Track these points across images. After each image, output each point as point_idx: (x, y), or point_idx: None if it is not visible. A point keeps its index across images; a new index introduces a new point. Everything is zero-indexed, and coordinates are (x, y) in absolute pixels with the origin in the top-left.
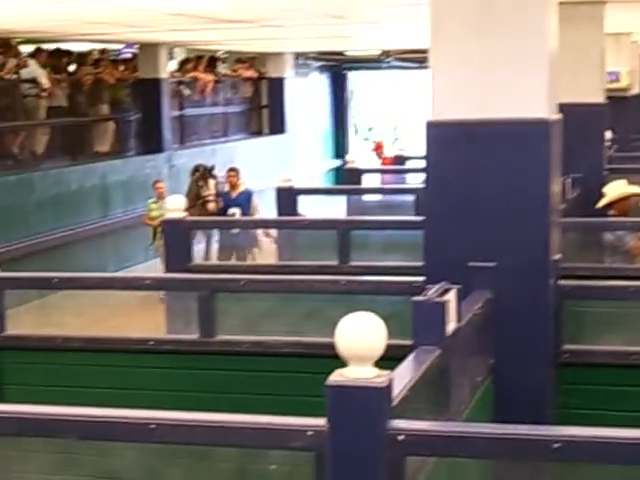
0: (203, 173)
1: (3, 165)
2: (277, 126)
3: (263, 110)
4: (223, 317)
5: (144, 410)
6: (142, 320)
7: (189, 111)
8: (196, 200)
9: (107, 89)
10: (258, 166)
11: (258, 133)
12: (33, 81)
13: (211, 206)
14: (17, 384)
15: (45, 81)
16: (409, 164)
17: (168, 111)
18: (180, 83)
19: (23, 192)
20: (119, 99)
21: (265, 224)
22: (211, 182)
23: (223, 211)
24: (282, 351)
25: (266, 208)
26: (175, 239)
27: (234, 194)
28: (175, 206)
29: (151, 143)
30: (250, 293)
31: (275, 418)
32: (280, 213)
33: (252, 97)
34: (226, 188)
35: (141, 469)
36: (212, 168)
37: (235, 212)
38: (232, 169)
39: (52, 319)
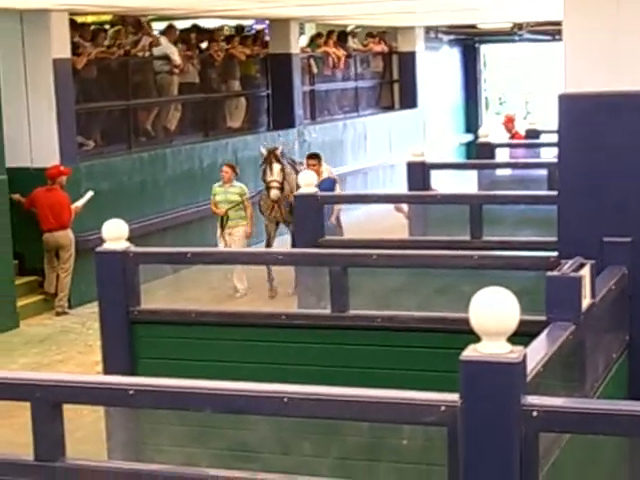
0: (267, 156)
1: (137, 142)
2: (408, 100)
3: (394, 84)
4: (355, 292)
5: (277, 384)
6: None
7: (320, 86)
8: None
9: (238, 65)
10: (389, 141)
11: (389, 108)
12: (165, 58)
13: (272, 194)
14: (151, 358)
15: (177, 58)
16: (542, 138)
17: (299, 86)
18: (311, 58)
19: (156, 168)
20: (250, 75)
21: (397, 199)
22: (275, 167)
23: None
24: (414, 326)
25: (398, 183)
26: (306, 214)
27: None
28: (307, 181)
29: (282, 119)
30: (382, 268)
31: (408, 393)
32: (411, 188)
33: (383, 72)
34: None
35: (273, 442)
36: (276, 150)
37: None
38: (312, 156)
39: (185, 294)
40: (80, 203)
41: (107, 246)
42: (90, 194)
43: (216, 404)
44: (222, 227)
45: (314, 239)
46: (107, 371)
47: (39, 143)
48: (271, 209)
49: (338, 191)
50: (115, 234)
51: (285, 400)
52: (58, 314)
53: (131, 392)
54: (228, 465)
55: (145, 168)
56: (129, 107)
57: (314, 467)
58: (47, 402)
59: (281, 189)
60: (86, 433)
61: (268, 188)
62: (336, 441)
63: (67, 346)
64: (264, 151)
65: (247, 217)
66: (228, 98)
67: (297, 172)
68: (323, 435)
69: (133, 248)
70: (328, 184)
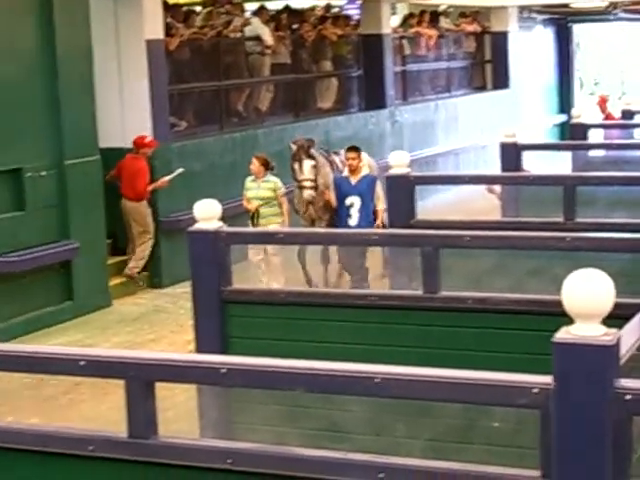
0: (297, 152)
1: (228, 122)
2: (501, 81)
3: (486, 65)
4: (447, 273)
5: (367, 364)
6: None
7: (411, 66)
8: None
9: (330, 46)
10: (482, 122)
11: (481, 88)
12: (257, 39)
13: (306, 194)
14: (242, 337)
15: (268, 38)
16: (637, 118)
17: (391, 67)
18: (402, 38)
19: (247, 149)
20: (342, 55)
21: (490, 180)
22: (306, 164)
23: (340, 201)
24: (506, 308)
25: (491, 164)
26: (399, 195)
27: (354, 180)
28: (399, 161)
29: (374, 99)
30: (475, 249)
31: (501, 375)
32: (504, 169)
33: (475, 52)
34: (345, 172)
35: (363, 423)
36: (309, 145)
37: (354, 203)
38: (351, 148)
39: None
40: (168, 178)
41: (199, 226)
42: (180, 170)
43: (307, 384)
44: (253, 224)
45: (406, 220)
46: (199, 350)
47: (132, 124)
48: (306, 207)
49: (379, 191)
50: (207, 214)
51: (376, 380)
52: (126, 276)
53: (223, 371)
54: (319, 445)
55: (236, 148)
56: (221, 88)
57: (405, 448)
58: (140, 380)
59: (315, 187)
60: (178, 412)
61: (300, 187)
62: (427, 422)
63: (159, 325)
64: (293, 147)
65: (283, 213)
66: (319, 79)
67: (331, 163)
68: (414, 416)
69: (225, 228)
70: (366, 183)
